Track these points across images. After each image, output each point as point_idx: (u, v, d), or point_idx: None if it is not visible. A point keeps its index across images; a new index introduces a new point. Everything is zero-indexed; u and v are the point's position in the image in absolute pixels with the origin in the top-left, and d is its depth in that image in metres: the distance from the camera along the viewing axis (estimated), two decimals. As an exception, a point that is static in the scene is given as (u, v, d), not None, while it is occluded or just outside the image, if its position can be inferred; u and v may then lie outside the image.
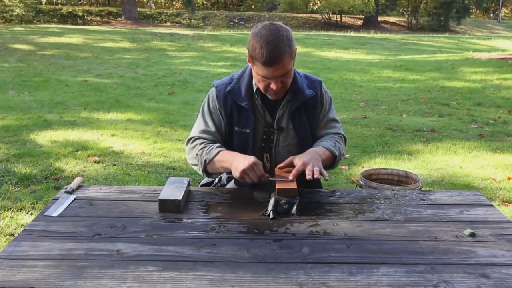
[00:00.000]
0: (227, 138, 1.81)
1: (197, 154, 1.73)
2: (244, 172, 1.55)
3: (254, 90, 1.77)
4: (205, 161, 1.69)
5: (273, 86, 1.64)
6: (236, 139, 1.79)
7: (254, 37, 1.61)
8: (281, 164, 1.66)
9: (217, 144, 1.74)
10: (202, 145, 1.73)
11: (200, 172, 1.76)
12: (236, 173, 1.58)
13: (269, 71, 1.60)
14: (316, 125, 1.84)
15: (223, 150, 1.70)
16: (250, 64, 1.71)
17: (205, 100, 1.84)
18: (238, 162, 1.59)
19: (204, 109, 1.83)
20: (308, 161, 1.60)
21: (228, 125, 1.79)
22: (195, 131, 1.81)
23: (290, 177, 1.57)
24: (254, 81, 1.76)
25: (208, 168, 1.72)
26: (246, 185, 1.77)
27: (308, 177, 1.55)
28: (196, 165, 1.75)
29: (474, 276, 1.17)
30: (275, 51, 1.56)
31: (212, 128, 1.78)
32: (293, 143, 1.83)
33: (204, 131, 1.79)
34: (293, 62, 1.66)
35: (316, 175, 1.55)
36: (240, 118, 1.77)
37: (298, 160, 1.62)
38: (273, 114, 1.79)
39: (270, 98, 1.74)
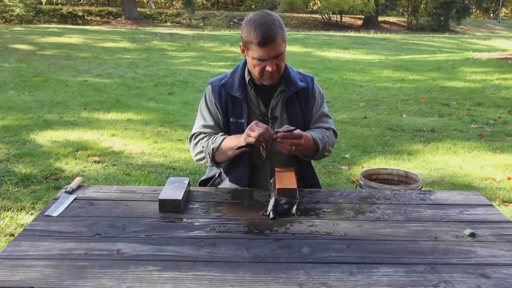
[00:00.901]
0: (224, 130, 1.86)
1: (203, 147, 1.79)
2: (247, 136, 1.60)
3: (247, 81, 1.82)
4: (213, 150, 1.75)
5: (268, 68, 1.69)
6: (232, 130, 1.85)
7: (247, 24, 1.69)
8: (280, 130, 1.63)
9: (221, 133, 1.81)
10: (205, 138, 1.81)
11: (209, 163, 1.81)
12: (244, 143, 1.63)
13: (264, 51, 1.66)
14: (309, 119, 1.90)
15: (227, 137, 1.77)
16: (243, 54, 1.77)
17: (202, 98, 1.91)
18: (242, 137, 1.64)
19: (201, 106, 1.90)
20: (303, 135, 1.65)
21: (224, 117, 1.85)
22: (196, 128, 1.88)
23: (279, 135, 1.60)
24: (246, 73, 1.83)
25: (216, 157, 1.77)
26: (243, 182, 1.83)
27: (290, 146, 1.61)
28: (203, 158, 1.81)
29: (474, 276, 1.17)
30: (268, 31, 1.64)
31: (211, 122, 1.85)
32: None
33: (204, 126, 1.86)
34: (285, 46, 1.72)
35: (289, 150, 1.61)
36: (234, 109, 1.83)
37: (297, 129, 1.65)
38: (267, 104, 1.84)
39: (265, 84, 1.79)
